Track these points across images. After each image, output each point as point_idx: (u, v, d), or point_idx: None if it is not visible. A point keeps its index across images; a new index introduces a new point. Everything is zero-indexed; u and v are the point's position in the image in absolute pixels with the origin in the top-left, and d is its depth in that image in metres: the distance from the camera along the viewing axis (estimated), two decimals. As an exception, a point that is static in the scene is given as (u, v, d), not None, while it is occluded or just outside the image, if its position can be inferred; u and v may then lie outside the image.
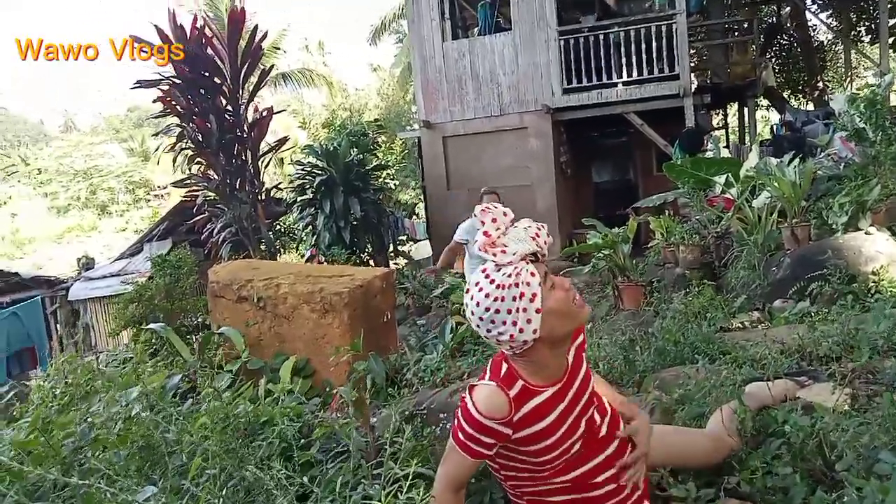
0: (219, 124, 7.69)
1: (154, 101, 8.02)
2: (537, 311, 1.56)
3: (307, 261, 9.27)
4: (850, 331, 2.99)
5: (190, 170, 8.00)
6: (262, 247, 7.81)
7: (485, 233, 1.58)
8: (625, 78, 9.96)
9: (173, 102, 7.78)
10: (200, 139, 7.63)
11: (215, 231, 7.94)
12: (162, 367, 3.71)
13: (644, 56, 9.76)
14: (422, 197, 11.38)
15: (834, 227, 5.03)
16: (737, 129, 13.56)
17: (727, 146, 11.63)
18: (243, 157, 8.11)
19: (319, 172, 9.10)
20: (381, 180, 14.50)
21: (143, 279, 6.26)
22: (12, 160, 38.05)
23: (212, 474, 2.01)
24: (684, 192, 7.15)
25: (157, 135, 7.95)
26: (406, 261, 12.07)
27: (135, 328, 5.20)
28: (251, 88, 8.72)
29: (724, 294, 5.18)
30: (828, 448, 1.94)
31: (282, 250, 11.10)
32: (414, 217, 12.82)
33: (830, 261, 4.26)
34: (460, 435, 1.65)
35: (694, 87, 10.25)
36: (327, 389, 3.63)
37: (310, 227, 9.22)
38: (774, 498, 1.91)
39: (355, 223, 9.09)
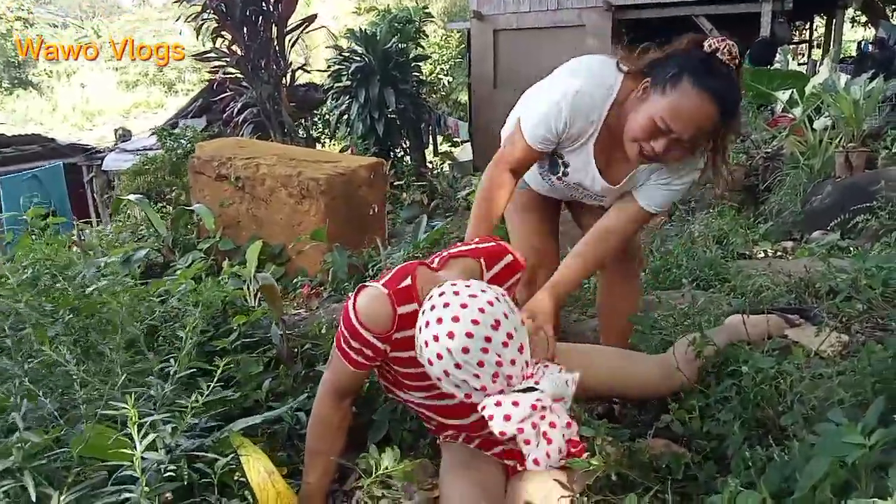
0: (242, -6, 7.24)
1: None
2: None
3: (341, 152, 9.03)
4: (870, 269, 2.59)
5: (213, 43, 7.70)
6: (285, 130, 7.55)
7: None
8: (699, -24, 8.97)
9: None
10: (224, 10, 7.27)
11: (236, 111, 7.72)
12: (132, 240, 3.62)
13: (723, -50, 8.72)
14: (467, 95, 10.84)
15: (899, 157, 4.43)
16: (822, 44, 12.28)
17: (805, 63, 10.51)
18: (269, 34, 7.72)
19: (357, 59, 8.69)
20: (432, 75, 13.92)
21: (154, 153, 6.17)
22: (85, 31, 38.49)
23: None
24: (742, 105, 6.49)
25: (177, 1, 7.62)
26: (449, 161, 11.70)
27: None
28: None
29: (760, 220, 4.73)
30: (782, 397, 1.64)
31: (321, 139, 10.87)
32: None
33: (882, 192, 3.74)
34: (341, 341, 1.44)
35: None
36: (298, 278, 3.48)
37: (344, 116, 8.91)
38: (708, 444, 1.64)
39: (391, 116, 8.72)
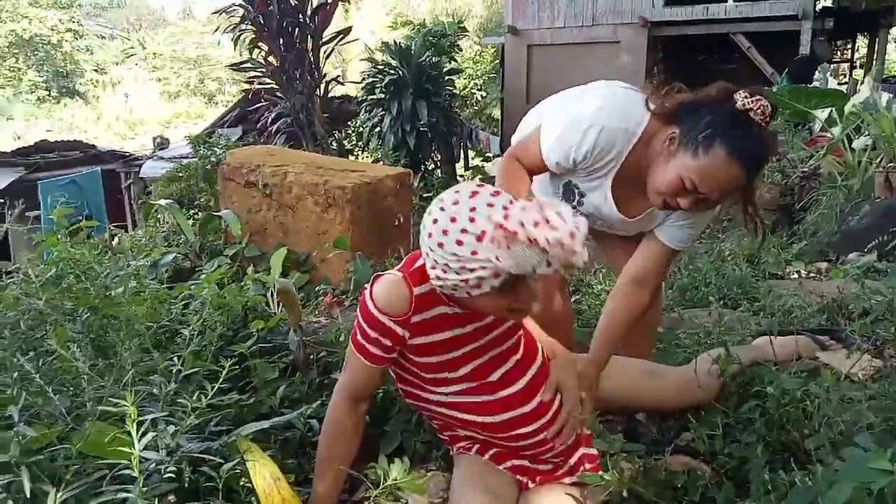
0: (280, 6, 7.44)
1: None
2: (469, 291, 1.27)
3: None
4: (907, 291, 2.49)
5: (250, 53, 7.84)
6: (318, 140, 7.63)
7: (522, 223, 1.17)
8: (737, -7, 8.86)
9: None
10: (262, 21, 7.40)
11: (269, 121, 7.83)
12: (164, 245, 3.67)
13: (763, -32, 8.61)
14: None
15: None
16: (864, 64, 11.99)
17: (846, 83, 10.29)
18: (304, 45, 7.83)
19: (391, 72, 8.76)
20: (466, 90, 13.97)
21: (189, 160, 6.28)
22: (131, 42, 39.58)
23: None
24: (778, 123, 6.35)
25: (217, 13, 7.77)
26: (480, 176, 11.69)
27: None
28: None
29: (794, 239, 4.62)
30: (808, 420, 1.58)
31: (354, 151, 10.96)
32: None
33: (923, 215, 3.62)
34: (358, 335, 1.43)
35: (818, 6, 9.02)
36: (321, 286, 3.48)
37: (377, 128, 8.98)
38: (728, 464, 1.59)
39: (423, 129, 8.76)
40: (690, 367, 1.84)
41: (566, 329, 2.29)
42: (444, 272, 1.27)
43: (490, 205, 1.22)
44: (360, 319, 1.42)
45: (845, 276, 3.31)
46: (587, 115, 1.63)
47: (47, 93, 29.50)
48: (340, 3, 8.49)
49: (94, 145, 9.60)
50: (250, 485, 1.40)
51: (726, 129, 1.47)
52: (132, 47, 39.87)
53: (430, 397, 1.54)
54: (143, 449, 0.94)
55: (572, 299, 2.92)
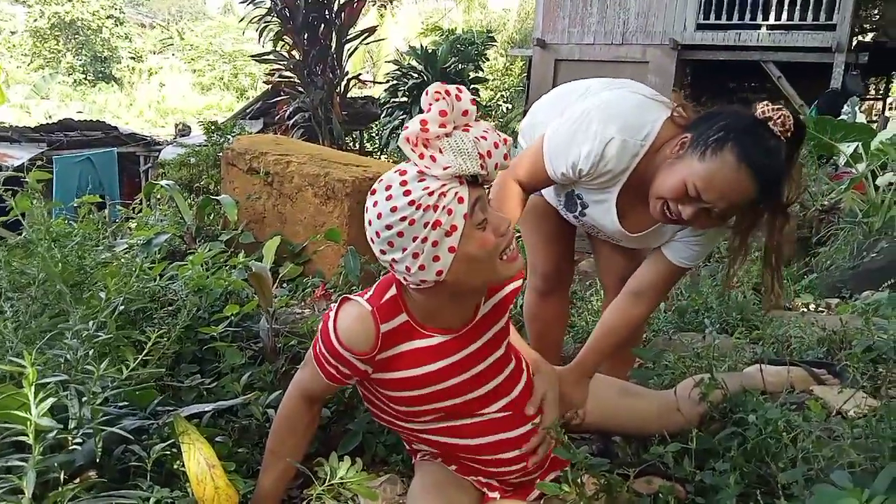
0: (307, 1, 7.40)
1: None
2: (450, 249, 1.15)
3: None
4: (914, 330, 2.37)
5: (275, 46, 7.85)
6: (334, 137, 7.61)
7: (422, 122, 1.12)
8: (771, 21, 8.73)
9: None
10: (288, 15, 7.41)
11: (287, 114, 7.82)
12: (157, 225, 3.63)
13: (799, -3, 8.48)
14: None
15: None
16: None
17: (876, 120, 10.08)
18: (329, 42, 7.83)
19: (415, 75, 8.75)
20: (492, 101, 13.93)
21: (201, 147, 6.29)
22: (170, 33, 40.20)
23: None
24: (803, 156, 6.21)
25: (245, 2, 7.81)
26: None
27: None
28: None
29: (805, 271, 4.49)
30: (786, 453, 1.47)
31: (374, 153, 10.95)
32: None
33: (942, 256, 3.48)
34: (318, 349, 1.33)
35: (854, 40, 8.86)
36: (311, 277, 3.43)
37: (397, 131, 8.95)
38: (703, 488, 1.49)
39: (443, 134, 8.67)
40: (672, 391, 1.76)
41: (558, 331, 2.21)
42: (416, 256, 1.16)
43: (402, 171, 1.17)
44: (320, 341, 1.31)
45: (853, 312, 3.18)
46: (593, 129, 1.52)
47: (84, 76, 30.04)
48: (373, 7, 8.52)
49: (116, 127, 9.69)
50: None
51: (739, 133, 1.37)
52: (170, 37, 40.50)
53: (399, 424, 1.45)
54: (42, 416, 0.86)
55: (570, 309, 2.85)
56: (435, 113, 1.12)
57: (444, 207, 1.13)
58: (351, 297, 1.33)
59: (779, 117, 1.36)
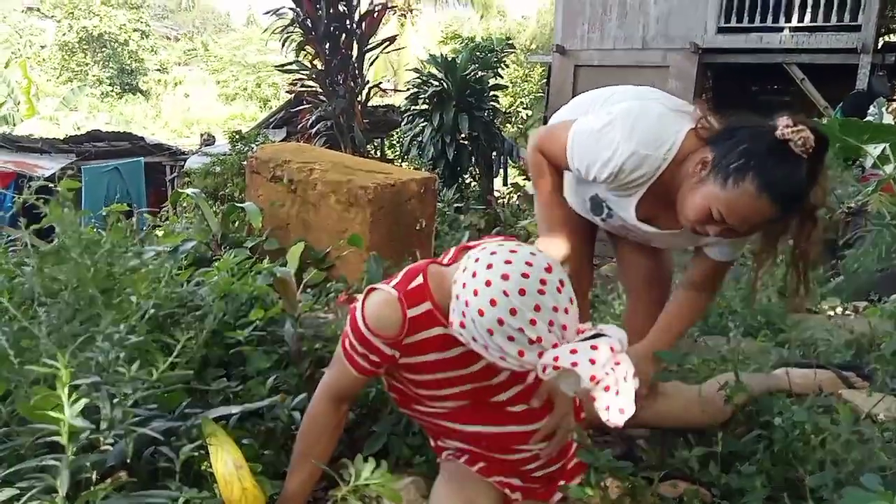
0: (328, 10, 7.54)
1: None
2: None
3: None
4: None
5: (297, 56, 7.95)
6: (356, 145, 7.68)
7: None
8: (794, 23, 8.63)
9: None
10: (310, 25, 7.50)
11: (310, 123, 7.90)
12: (184, 232, 3.69)
13: (822, -2, 8.37)
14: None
15: None
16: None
17: (904, 120, 9.89)
18: (350, 51, 7.91)
19: (435, 83, 8.79)
20: (512, 107, 13.94)
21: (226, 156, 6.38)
22: (194, 44, 40.81)
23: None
24: (829, 157, 6.12)
25: (268, 13, 7.92)
26: (518, 193, 11.61)
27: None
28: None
29: (832, 273, 4.43)
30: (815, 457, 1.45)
31: (394, 161, 11.02)
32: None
33: (974, 258, 3.41)
34: (346, 343, 1.37)
35: (881, 41, 8.73)
36: (334, 282, 3.45)
37: (418, 138, 9.00)
38: (728, 491, 1.48)
39: (463, 141, 8.75)
40: (698, 387, 1.76)
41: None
42: (475, 341, 1.20)
43: (555, 308, 1.15)
44: (350, 332, 1.36)
45: (882, 316, 3.13)
46: (614, 142, 1.53)
47: (111, 88, 30.58)
48: (394, 16, 8.60)
49: (142, 137, 9.89)
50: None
51: (760, 161, 1.37)
52: (195, 49, 41.11)
53: (422, 409, 1.49)
54: (76, 417, 0.89)
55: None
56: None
57: (509, 362, 1.20)
58: (376, 286, 1.37)
59: (799, 139, 1.35)
